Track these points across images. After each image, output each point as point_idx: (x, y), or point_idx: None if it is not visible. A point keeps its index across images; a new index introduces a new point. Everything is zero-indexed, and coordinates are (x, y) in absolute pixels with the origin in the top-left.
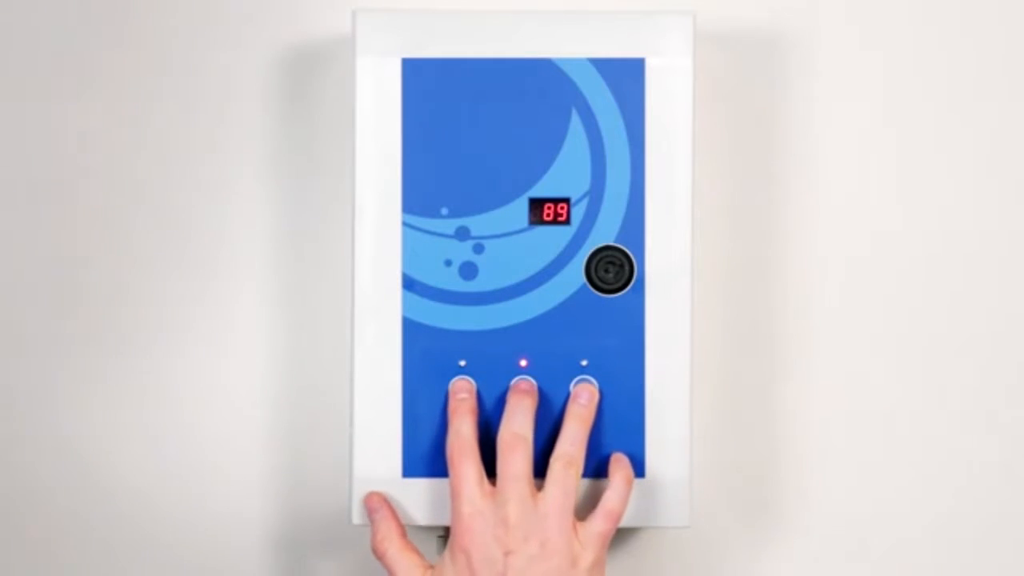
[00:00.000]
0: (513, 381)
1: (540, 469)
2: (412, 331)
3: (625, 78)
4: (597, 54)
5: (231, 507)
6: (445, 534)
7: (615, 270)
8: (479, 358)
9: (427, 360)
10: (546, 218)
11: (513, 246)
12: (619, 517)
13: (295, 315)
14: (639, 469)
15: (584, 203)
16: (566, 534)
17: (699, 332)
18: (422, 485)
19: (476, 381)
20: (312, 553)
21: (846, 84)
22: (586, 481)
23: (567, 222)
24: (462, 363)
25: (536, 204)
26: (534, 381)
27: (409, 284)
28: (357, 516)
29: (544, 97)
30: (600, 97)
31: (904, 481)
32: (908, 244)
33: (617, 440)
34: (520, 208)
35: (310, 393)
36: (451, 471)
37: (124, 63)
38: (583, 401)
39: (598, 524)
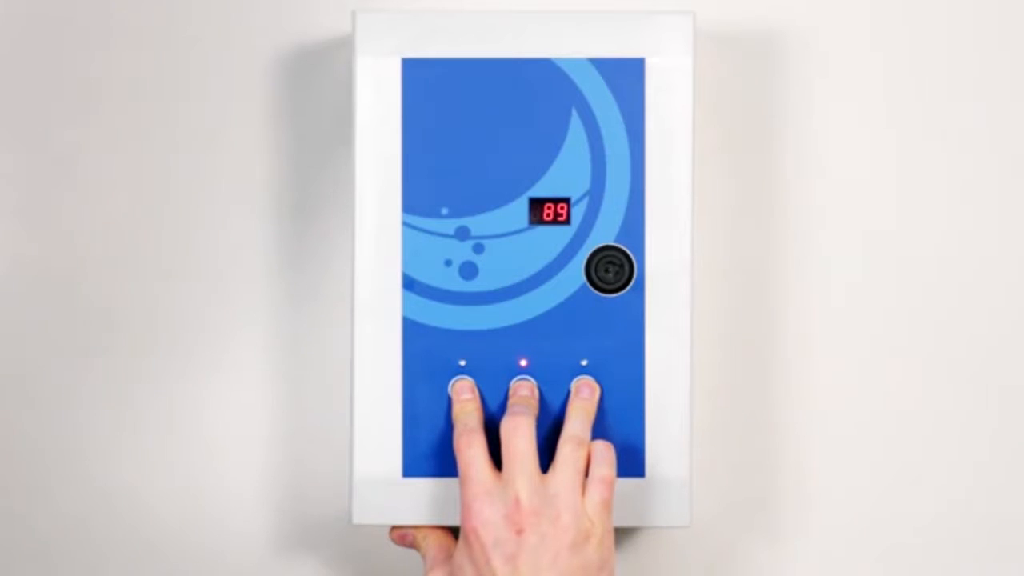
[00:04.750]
0: (513, 383)
1: (544, 468)
2: (412, 331)
3: (625, 78)
4: (597, 54)
5: (231, 507)
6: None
7: (615, 270)
8: (479, 358)
9: (427, 360)
10: (546, 218)
11: (513, 246)
12: (613, 481)
13: (295, 315)
14: (639, 469)
15: (584, 203)
16: (577, 511)
17: (699, 332)
18: (422, 485)
19: (476, 381)
20: (312, 553)
21: (846, 84)
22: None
23: (567, 222)
24: (462, 363)
25: (536, 204)
26: (534, 382)
27: (409, 284)
28: (357, 516)
29: (544, 97)
30: (600, 97)
31: (904, 481)
32: (908, 244)
33: (617, 439)
34: (520, 208)
35: (310, 393)
36: (459, 458)
37: (123, 64)
38: (585, 395)
39: (596, 494)
